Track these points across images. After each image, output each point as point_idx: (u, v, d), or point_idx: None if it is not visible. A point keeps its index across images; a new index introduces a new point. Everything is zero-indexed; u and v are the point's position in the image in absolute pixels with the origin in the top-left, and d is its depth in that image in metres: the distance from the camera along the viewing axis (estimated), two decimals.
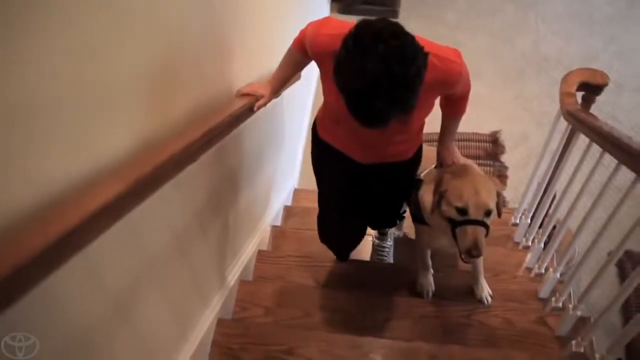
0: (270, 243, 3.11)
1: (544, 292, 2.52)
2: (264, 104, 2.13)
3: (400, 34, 1.41)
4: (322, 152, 2.24)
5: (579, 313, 2.17)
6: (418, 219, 2.33)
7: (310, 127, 2.29)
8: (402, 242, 3.09)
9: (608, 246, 2.02)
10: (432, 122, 2.15)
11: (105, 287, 1.32)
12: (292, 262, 2.80)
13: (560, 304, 2.36)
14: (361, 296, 2.55)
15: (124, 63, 1.23)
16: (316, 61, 1.87)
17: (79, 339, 1.21)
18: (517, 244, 3.04)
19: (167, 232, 1.69)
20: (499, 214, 2.07)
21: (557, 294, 2.38)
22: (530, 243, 2.90)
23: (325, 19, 1.83)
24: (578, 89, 2.51)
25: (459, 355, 2.19)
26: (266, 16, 2.63)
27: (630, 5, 5.30)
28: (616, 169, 1.97)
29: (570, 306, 2.20)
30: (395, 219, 2.67)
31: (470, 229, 1.95)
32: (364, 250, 2.97)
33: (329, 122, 2.10)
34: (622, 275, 3.19)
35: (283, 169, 3.56)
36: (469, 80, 1.91)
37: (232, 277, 2.44)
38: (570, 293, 2.31)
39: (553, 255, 2.61)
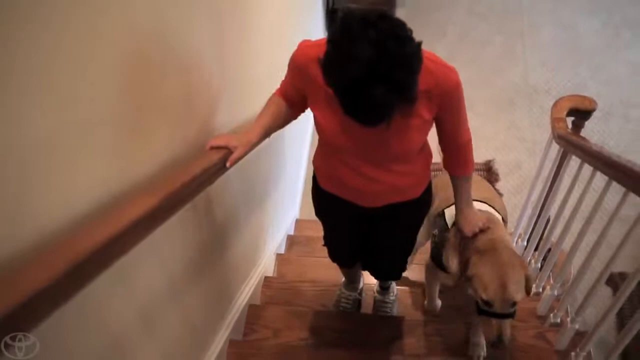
0: (276, 270, 3.20)
1: (542, 310, 2.61)
2: (239, 158, 1.74)
3: (388, 16, 1.31)
4: (325, 204, 2.13)
5: (576, 326, 2.25)
6: (437, 261, 2.22)
7: (311, 172, 2.14)
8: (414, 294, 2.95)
9: (601, 265, 2.10)
10: None
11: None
12: (297, 287, 2.89)
13: (558, 320, 2.45)
14: (362, 318, 2.65)
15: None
16: (302, 81, 1.71)
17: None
18: None
19: (182, 260, 1.78)
20: (528, 294, 1.95)
21: (555, 311, 2.47)
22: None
23: (300, 42, 1.74)
24: (568, 115, 2.64)
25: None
26: (255, 57, 2.45)
27: (615, 35, 5.48)
28: (606, 189, 2.08)
29: (568, 319, 2.28)
30: (400, 271, 2.45)
31: (495, 322, 1.88)
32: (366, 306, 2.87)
33: (326, 163, 1.95)
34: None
35: (285, 200, 3.64)
36: (467, 119, 1.80)
37: (243, 300, 2.53)
38: (567, 309, 2.40)
39: (549, 274, 2.69)
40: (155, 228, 1.27)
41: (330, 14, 5.27)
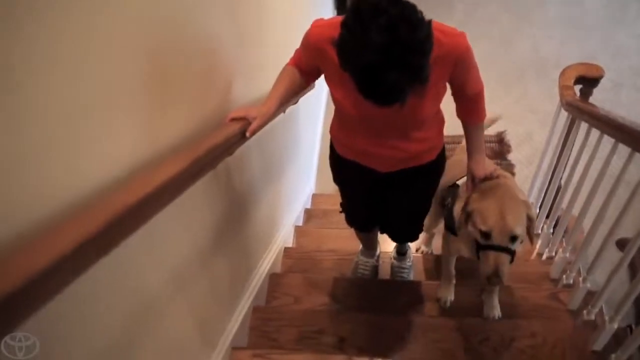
0: (295, 241, 3.30)
1: (554, 273, 2.69)
2: (258, 128, 1.82)
3: (399, 1, 1.33)
4: (341, 169, 2.19)
5: (588, 285, 2.32)
6: (449, 227, 2.21)
7: (326, 141, 2.22)
8: (427, 260, 3.06)
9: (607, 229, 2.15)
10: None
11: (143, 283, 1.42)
12: (314, 256, 2.99)
13: (571, 281, 2.52)
14: (380, 284, 2.75)
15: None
16: (317, 59, 1.77)
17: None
18: None
19: (207, 229, 1.88)
20: (531, 240, 1.98)
21: (568, 272, 2.55)
22: (540, 231, 3.06)
23: (314, 20, 1.77)
24: (575, 83, 2.71)
25: (474, 325, 2.36)
26: (269, 34, 2.55)
27: (623, 7, 5.49)
28: (612, 151, 2.14)
29: (580, 279, 2.36)
30: (416, 232, 2.48)
31: (492, 255, 1.86)
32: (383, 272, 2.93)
33: (344, 134, 2.01)
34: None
35: (301, 174, 3.75)
36: (479, 74, 1.83)
37: (264, 268, 2.63)
38: (579, 269, 2.47)
39: (562, 239, 2.76)
40: (182, 191, 1.36)
41: None
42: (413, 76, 1.37)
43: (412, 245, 2.92)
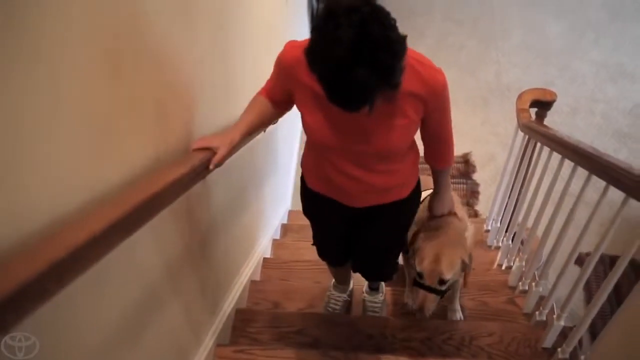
0: (273, 252, 3.50)
1: (512, 280, 2.92)
2: (222, 159, 1.70)
3: (373, 3, 1.30)
4: (313, 204, 2.14)
5: (540, 289, 2.56)
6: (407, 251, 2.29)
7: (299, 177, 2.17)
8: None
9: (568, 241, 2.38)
10: None
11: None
12: (292, 266, 3.19)
13: (525, 287, 2.76)
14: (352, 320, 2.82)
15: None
16: (289, 82, 1.71)
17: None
18: (490, 246, 3.45)
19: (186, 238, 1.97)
20: (465, 283, 2.18)
21: (523, 278, 2.79)
22: (500, 244, 3.30)
23: (287, 42, 1.73)
24: (531, 106, 2.97)
25: (438, 326, 2.55)
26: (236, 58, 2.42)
27: (581, 36, 5.84)
28: (560, 165, 2.39)
29: (534, 284, 2.60)
30: (389, 271, 2.43)
31: (422, 293, 2.07)
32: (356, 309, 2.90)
33: (313, 163, 1.96)
34: None
35: (279, 190, 3.94)
36: (450, 117, 1.80)
37: (245, 276, 2.82)
38: (535, 275, 2.70)
39: (518, 250, 3.00)
40: (139, 227, 1.26)
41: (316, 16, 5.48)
42: (382, 76, 1.32)
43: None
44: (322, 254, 2.44)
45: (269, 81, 1.86)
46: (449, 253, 2.04)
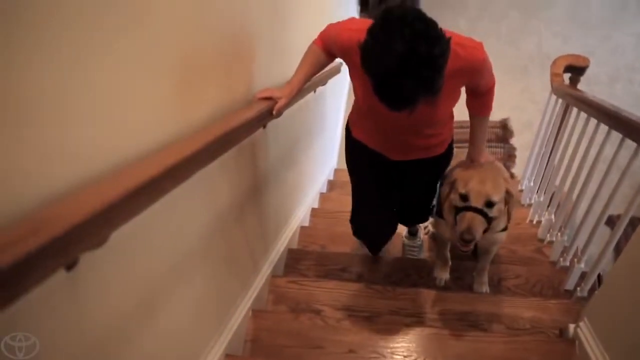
0: (320, 204, 3.83)
1: (541, 233, 3.14)
2: (284, 107, 1.97)
3: (424, 17, 1.43)
4: (355, 151, 2.28)
5: (565, 238, 2.80)
6: (438, 212, 2.33)
7: (344, 128, 2.34)
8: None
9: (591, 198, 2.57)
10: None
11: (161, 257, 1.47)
12: (337, 216, 3.47)
13: (553, 238, 2.99)
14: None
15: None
16: (343, 57, 1.89)
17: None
18: (523, 205, 3.67)
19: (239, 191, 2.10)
20: (509, 217, 2.11)
21: (550, 230, 3.02)
22: (532, 201, 3.53)
23: (349, 19, 1.90)
24: (565, 71, 3.17)
25: (467, 267, 2.79)
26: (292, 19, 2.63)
27: (622, 8, 5.86)
28: (586, 124, 2.61)
29: (559, 234, 2.83)
30: (425, 215, 2.64)
31: (468, 214, 1.94)
32: (395, 250, 3.13)
33: (360, 121, 2.14)
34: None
35: (326, 149, 4.24)
36: (492, 72, 1.90)
37: (295, 222, 3.13)
38: (560, 228, 2.93)
39: (548, 204, 3.20)
40: (215, 158, 1.48)
41: None
42: (424, 88, 1.48)
43: (422, 225, 3.06)
44: (358, 230, 2.70)
45: (325, 34, 1.98)
46: (493, 177, 2.00)
